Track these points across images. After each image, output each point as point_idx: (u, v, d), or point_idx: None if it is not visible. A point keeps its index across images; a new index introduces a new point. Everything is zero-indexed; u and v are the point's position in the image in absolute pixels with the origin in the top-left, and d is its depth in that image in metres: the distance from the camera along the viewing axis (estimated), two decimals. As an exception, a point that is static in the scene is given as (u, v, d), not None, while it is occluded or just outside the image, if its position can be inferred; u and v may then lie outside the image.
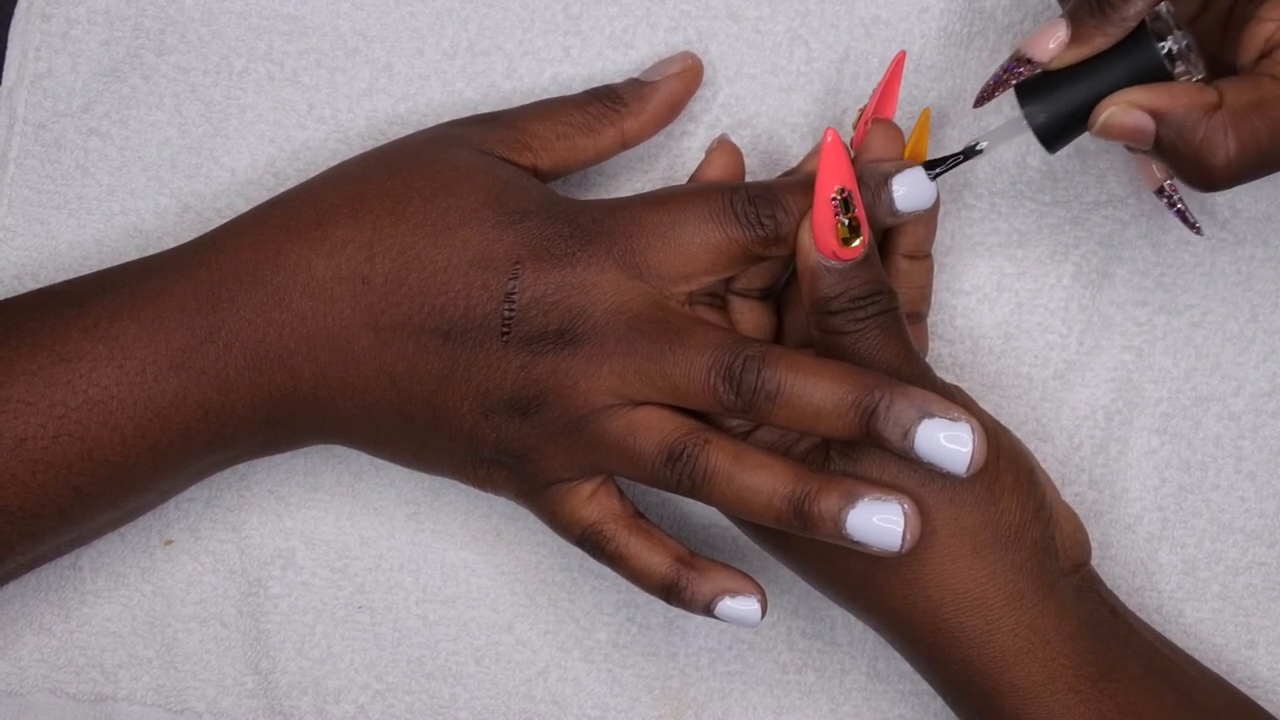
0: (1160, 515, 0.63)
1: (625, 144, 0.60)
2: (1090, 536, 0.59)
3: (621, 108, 0.60)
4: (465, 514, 0.64)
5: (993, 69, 0.60)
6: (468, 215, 0.55)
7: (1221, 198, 0.62)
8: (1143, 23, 0.53)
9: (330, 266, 0.55)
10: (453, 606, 0.64)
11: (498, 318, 0.54)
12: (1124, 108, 0.53)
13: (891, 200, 0.55)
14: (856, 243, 0.53)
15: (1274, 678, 0.62)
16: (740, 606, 0.55)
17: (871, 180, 0.55)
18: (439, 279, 0.55)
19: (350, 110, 0.63)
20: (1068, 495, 0.62)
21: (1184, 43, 0.53)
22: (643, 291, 0.55)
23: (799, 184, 0.55)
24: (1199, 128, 0.52)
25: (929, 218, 0.58)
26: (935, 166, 0.55)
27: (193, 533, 0.64)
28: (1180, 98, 0.53)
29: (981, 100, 0.55)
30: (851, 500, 0.52)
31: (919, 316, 0.60)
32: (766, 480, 0.53)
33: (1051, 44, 0.53)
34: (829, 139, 0.53)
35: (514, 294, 0.54)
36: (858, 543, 0.52)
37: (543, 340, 0.54)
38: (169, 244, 0.63)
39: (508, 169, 0.57)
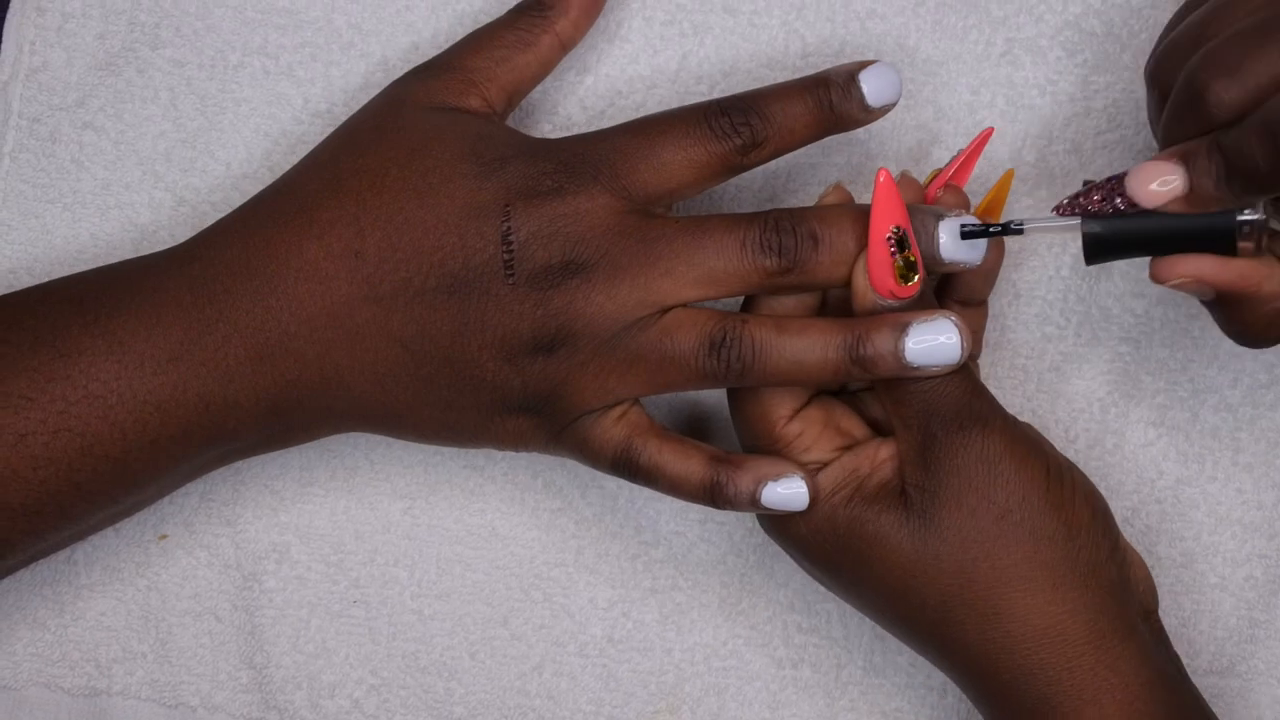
0: (1158, 508, 0.62)
1: (565, 47, 0.59)
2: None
3: (549, 11, 0.59)
4: (460, 509, 0.64)
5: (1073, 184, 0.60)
6: (447, 173, 0.55)
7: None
8: None
9: (321, 247, 0.55)
10: (448, 601, 0.64)
11: (499, 261, 0.54)
12: (1193, 281, 0.52)
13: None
14: (914, 280, 0.53)
15: (1272, 671, 0.62)
16: (786, 489, 0.55)
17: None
18: (432, 237, 0.55)
19: (345, 104, 0.63)
20: (1065, 489, 0.62)
21: (1259, 219, 0.52)
22: (636, 210, 0.55)
23: (775, 91, 0.55)
24: (1261, 312, 0.53)
25: (986, 270, 0.58)
26: (971, 230, 0.54)
27: (187, 527, 0.64)
28: (1251, 280, 0.52)
29: (1064, 210, 0.54)
30: (904, 329, 0.53)
31: (970, 358, 0.59)
32: (816, 338, 0.54)
33: (1161, 190, 0.51)
34: (881, 179, 0.53)
35: (510, 234, 0.54)
36: (918, 368, 0.53)
37: (549, 275, 0.54)
38: (164, 238, 0.63)
39: (473, 120, 0.57)
